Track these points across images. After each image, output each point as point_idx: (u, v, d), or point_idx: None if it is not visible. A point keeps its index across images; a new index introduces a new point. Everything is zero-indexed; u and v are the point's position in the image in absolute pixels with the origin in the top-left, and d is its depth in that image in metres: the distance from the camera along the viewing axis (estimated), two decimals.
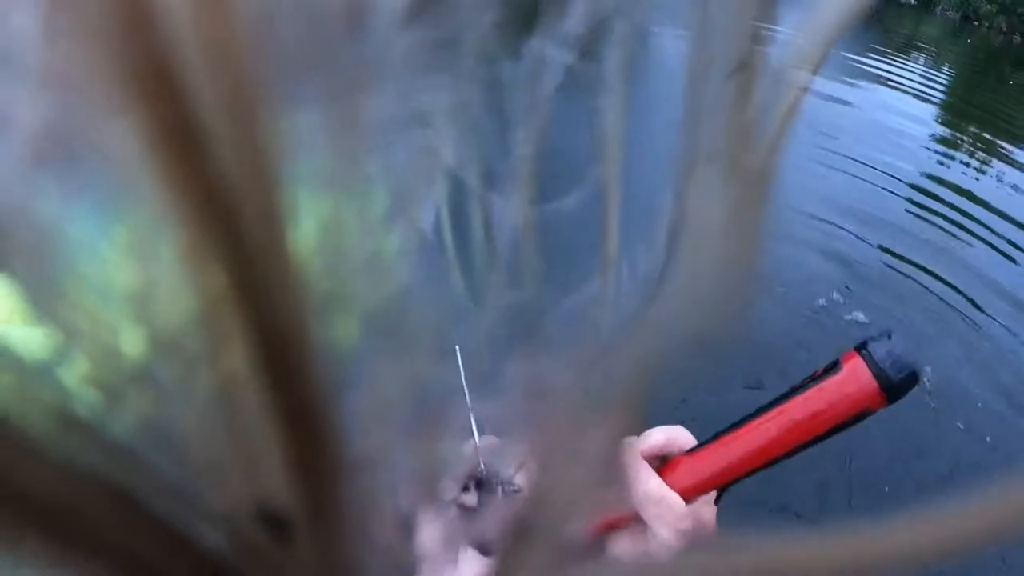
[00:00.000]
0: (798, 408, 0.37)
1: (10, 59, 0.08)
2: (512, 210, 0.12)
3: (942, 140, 4.61)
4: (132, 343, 0.09)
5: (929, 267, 2.56)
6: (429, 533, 0.13)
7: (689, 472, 0.40)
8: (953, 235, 2.91)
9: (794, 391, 0.38)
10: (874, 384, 0.35)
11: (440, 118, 0.12)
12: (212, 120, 0.08)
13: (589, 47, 0.12)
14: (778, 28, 0.12)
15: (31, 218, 0.09)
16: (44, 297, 0.09)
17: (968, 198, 3.32)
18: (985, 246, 2.88)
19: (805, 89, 0.12)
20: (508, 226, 0.12)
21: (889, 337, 0.35)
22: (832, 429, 0.37)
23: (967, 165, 4.05)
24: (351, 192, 0.10)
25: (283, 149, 0.09)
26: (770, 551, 0.11)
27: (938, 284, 2.48)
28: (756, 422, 0.39)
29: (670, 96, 0.12)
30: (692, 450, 0.41)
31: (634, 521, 0.41)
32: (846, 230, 2.71)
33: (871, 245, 2.65)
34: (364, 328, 0.11)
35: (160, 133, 0.08)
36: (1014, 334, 2.30)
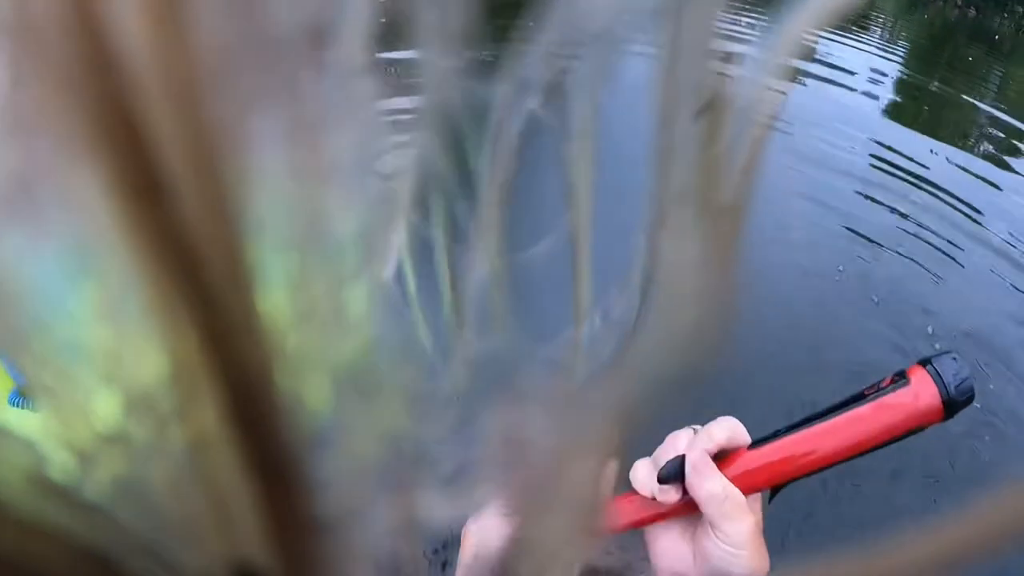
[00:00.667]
0: (864, 418, 0.37)
1: None
2: (479, 259, 0.12)
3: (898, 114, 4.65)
4: (103, 402, 0.09)
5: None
6: None
7: (748, 469, 0.39)
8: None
9: (858, 399, 0.38)
10: (939, 401, 0.35)
11: (403, 164, 0.12)
12: (175, 167, 0.08)
13: (555, 91, 0.11)
14: (743, 46, 0.12)
15: None
16: (13, 356, 0.09)
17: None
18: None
19: (773, 119, 0.12)
20: (476, 276, 0.12)
21: (954, 359, 0.36)
22: (892, 439, 0.37)
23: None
24: (317, 244, 0.10)
25: (247, 196, 0.08)
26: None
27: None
28: (819, 427, 0.39)
29: (637, 133, 0.12)
30: (751, 446, 0.40)
31: (683, 514, 0.41)
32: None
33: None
34: (335, 384, 0.11)
35: (123, 180, 0.07)
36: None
